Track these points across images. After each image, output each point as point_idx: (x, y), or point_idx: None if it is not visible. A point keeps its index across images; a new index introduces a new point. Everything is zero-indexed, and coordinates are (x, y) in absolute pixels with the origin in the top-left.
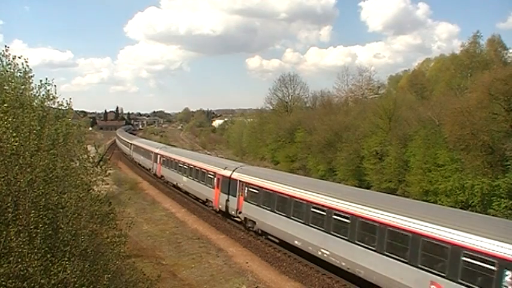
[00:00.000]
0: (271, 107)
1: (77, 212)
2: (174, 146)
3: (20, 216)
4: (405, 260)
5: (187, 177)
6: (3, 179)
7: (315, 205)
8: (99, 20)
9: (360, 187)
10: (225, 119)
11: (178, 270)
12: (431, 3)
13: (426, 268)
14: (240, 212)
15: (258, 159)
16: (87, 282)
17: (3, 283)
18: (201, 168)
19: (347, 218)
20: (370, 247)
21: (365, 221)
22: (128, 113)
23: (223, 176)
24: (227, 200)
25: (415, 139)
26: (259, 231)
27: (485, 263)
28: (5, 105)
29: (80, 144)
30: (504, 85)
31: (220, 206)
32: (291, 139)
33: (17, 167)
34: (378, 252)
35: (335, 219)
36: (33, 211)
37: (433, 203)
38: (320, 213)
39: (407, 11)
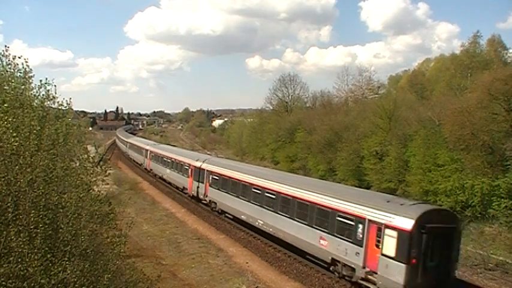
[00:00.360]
0: (271, 107)
1: (77, 212)
2: (175, 145)
3: (20, 216)
4: (306, 223)
5: (169, 169)
6: (3, 179)
7: (254, 186)
8: (99, 20)
9: (359, 187)
10: (225, 119)
11: (178, 270)
12: (431, 3)
13: (317, 227)
14: (206, 196)
15: (258, 159)
16: (87, 282)
17: (3, 283)
18: (180, 161)
19: (273, 195)
20: (286, 215)
21: (284, 196)
22: (128, 113)
23: (195, 166)
24: (197, 187)
25: (415, 139)
26: (220, 211)
27: (348, 220)
28: (5, 105)
29: (80, 144)
30: (504, 85)
31: (193, 192)
32: (291, 139)
33: (17, 167)
34: (290, 218)
35: (266, 196)
36: (33, 211)
37: (433, 203)
38: (257, 193)
39: (407, 11)
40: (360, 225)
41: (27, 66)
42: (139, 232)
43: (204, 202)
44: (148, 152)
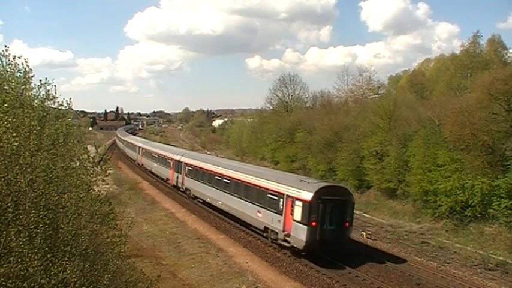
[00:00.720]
0: (271, 107)
1: (77, 212)
2: (175, 145)
3: (20, 216)
4: (249, 201)
5: (156, 163)
6: (3, 179)
7: (216, 174)
8: (99, 20)
9: (359, 187)
10: (225, 119)
11: (178, 270)
12: (431, 3)
13: (256, 203)
14: (183, 184)
15: (258, 159)
16: (87, 282)
17: (3, 283)
18: (164, 156)
19: (229, 180)
20: (236, 196)
21: (235, 180)
22: (128, 113)
23: (175, 160)
24: (177, 177)
25: (415, 139)
26: (193, 196)
27: (274, 196)
28: (5, 105)
29: (80, 144)
30: (504, 85)
31: (173, 182)
32: (291, 139)
33: (17, 167)
34: (239, 198)
35: (224, 181)
36: (33, 211)
37: (433, 202)
38: (218, 179)
39: (407, 11)
40: (281, 200)
41: (27, 66)
42: (139, 232)
43: (182, 190)
44: (140, 149)
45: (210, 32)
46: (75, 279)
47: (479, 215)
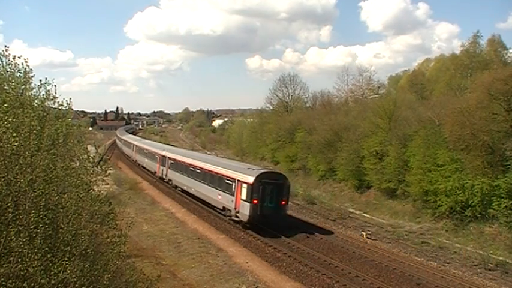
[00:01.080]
0: (271, 107)
1: (77, 212)
2: (175, 145)
3: (20, 216)
4: (212, 185)
5: (146, 158)
6: (3, 179)
7: (190, 165)
8: (99, 20)
9: (359, 187)
10: (225, 119)
11: (178, 270)
12: (432, 3)
13: (217, 188)
14: (166, 176)
15: (258, 159)
16: (87, 282)
17: (3, 283)
18: (152, 152)
19: (199, 170)
20: (204, 183)
21: (203, 170)
22: (128, 113)
23: (161, 155)
24: (162, 170)
25: (415, 139)
26: (175, 186)
27: (230, 181)
28: (5, 105)
29: (80, 144)
30: (504, 85)
31: (159, 174)
32: (291, 139)
33: (17, 167)
34: (206, 184)
35: (196, 171)
36: (33, 211)
37: (433, 202)
38: (191, 170)
39: (407, 11)
40: (234, 184)
41: (27, 66)
42: (139, 232)
43: (166, 181)
44: (135, 147)
45: (210, 32)
46: (75, 279)
47: (479, 215)
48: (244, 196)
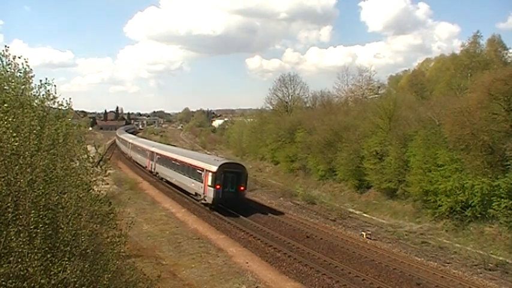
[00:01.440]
0: (271, 107)
1: (77, 212)
2: (176, 145)
3: (20, 216)
4: (187, 175)
5: (139, 155)
6: (3, 179)
7: (171, 159)
8: (99, 20)
9: (359, 187)
10: (225, 119)
11: (178, 270)
12: (432, 3)
13: (190, 177)
14: (154, 169)
15: (258, 159)
16: (87, 282)
17: (3, 283)
18: (144, 148)
19: (178, 163)
20: (181, 173)
21: (181, 162)
22: (128, 113)
23: (150, 151)
24: (151, 164)
25: (415, 139)
26: (160, 178)
27: (199, 171)
28: (5, 105)
29: (80, 144)
30: (504, 85)
31: (149, 168)
32: (291, 139)
33: (17, 167)
34: (183, 174)
35: (175, 164)
36: (33, 211)
37: (433, 202)
38: (173, 163)
39: (407, 11)
40: (202, 172)
41: (27, 66)
42: (139, 232)
43: (154, 174)
44: (131, 145)
45: (210, 32)
46: (75, 279)
47: (479, 215)
48: (209, 182)
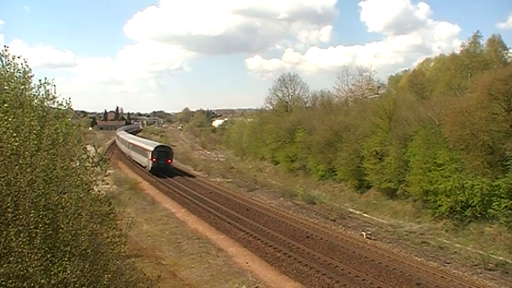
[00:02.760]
0: (271, 107)
1: (77, 212)
2: (175, 144)
3: (20, 216)
4: (141, 155)
5: (123, 146)
6: (3, 179)
7: (136, 145)
8: (99, 20)
9: (359, 187)
10: (225, 119)
11: (178, 270)
12: (432, 3)
13: (142, 155)
14: (130, 155)
15: (258, 159)
16: (87, 282)
17: (3, 283)
18: (126, 141)
19: (138, 147)
20: (139, 154)
21: (139, 147)
22: (128, 113)
23: (129, 142)
24: (128, 152)
25: (415, 139)
26: (132, 160)
27: (147, 151)
28: (5, 105)
29: (79, 144)
30: (504, 85)
31: (128, 155)
32: (291, 139)
33: (17, 167)
34: (140, 154)
35: (138, 148)
36: (33, 211)
37: (433, 202)
38: (136, 148)
39: (407, 11)
40: (147, 152)
41: (27, 66)
42: (139, 232)
43: (129, 158)
44: (120, 139)
45: (210, 32)
46: (75, 279)
47: (479, 215)
48: (151, 158)
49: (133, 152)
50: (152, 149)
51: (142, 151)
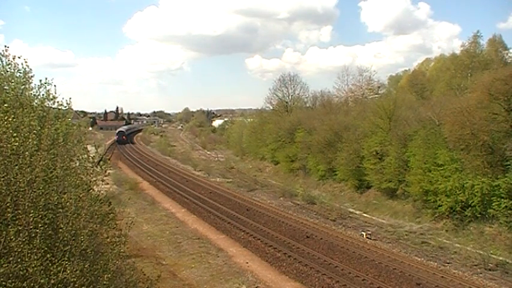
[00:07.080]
0: (271, 107)
1: (77, 212)
2: (174, 145)
3: (20, 216)
4: (114, 135)
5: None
6: (3, 179)
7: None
8: (99, 20)
9: (359, 187)
10: (225, 119)
11: (178, 270)
12: (432, 3)
13: (115, 136)
14: (115, 139)
15: (258, 159)
16: (87, 282)
17: (3, 283)
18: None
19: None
20: (115, 134)
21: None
22: (128, 113)
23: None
24: (116, 137)
25: (415, 139)
26: (116, 140)
27: (122, 132)
28: (5, 105)
29: (79, 144)
30: (504, 85)
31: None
32: (291, 139)
33: (17, 167)
34: (116, 135)
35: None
36: (33, 211)
37: (433, 202)
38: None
39: (407, 11)
40: (122, 132)
41: (27, 66)
42: (139, 232)
43: (115, 141)
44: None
45: (210, 32)
46: (75, 279)
47: (479, 215)
48: (122, 137)
49: (115, 135)
50: (117, 131)
51: (114, 133)
